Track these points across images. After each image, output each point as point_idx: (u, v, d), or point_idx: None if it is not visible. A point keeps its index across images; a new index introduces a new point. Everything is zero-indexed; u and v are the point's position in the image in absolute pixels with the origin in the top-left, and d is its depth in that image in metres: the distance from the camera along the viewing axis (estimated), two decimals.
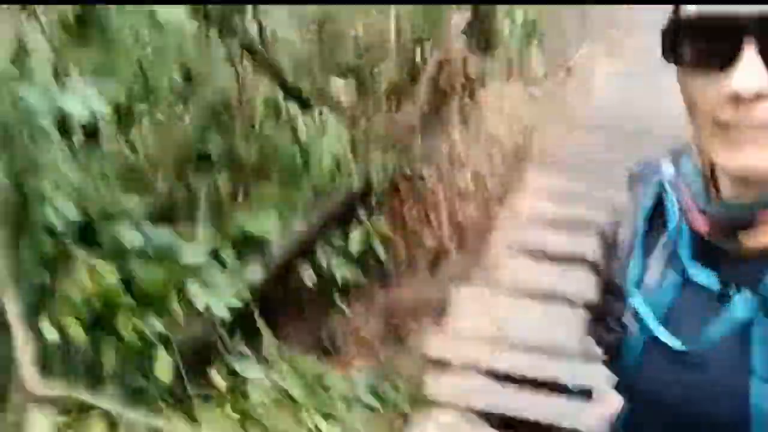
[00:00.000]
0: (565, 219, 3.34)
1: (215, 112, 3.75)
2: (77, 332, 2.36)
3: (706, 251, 0.65)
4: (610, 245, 0.77)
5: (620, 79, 4.74)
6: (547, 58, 5.36)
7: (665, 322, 0.66)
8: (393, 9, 4.95)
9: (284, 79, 4.02)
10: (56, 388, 2.22)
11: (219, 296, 2.67)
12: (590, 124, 4.05)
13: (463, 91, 5.04)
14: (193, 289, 2.62)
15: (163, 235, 2.50)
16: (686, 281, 0.66)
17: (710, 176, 0.63)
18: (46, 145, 2.35)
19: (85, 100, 2.23)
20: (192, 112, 3.69)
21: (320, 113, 4.18)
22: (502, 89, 5.08)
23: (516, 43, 5.33)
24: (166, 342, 2.54)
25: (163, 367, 2.52)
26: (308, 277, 3.58)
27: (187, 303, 2.60)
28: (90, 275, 2.33)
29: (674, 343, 0.64)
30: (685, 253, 0.66)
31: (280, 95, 4.07)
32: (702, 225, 0.64)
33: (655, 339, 0.66)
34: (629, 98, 4.36)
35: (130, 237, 2.36)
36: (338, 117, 4.21)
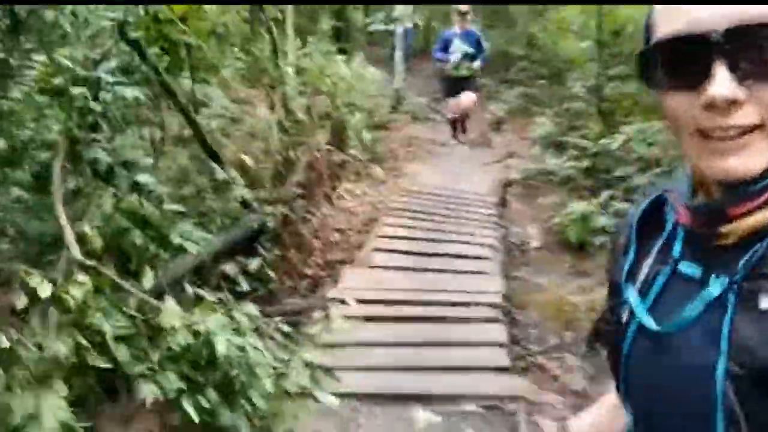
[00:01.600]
0: (406, 234, 5.10)
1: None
2: (96, 240, 3.40)
3: (693, 246, 0.70)
4: (612, 248, 0.84)
5: (435, 176, 6.95)
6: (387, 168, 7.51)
7: (653, 310, 0.71)
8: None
9: (209, 145, 5.45)
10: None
11: (187, 241, 3.85)
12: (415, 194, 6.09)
13: (328, 181, 6.85)
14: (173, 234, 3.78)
15: (158, 189, 3.71)
16: (675, 273, 0.71)
17: (698, 180, 0.69)
18: None
19: None
20: None
21: (231, 173, 5.60)
22: (355, 183, 6.99)
23: (363, 156, 7.40)
24: (152, 260, 3.62)
25: (148, 277, 3.56)
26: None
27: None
28: (114, 201, 3.45)
29: (652, 324, 0.69)
30: (676, 249, 0.72)
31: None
32: (686, 218, 0.70)
33: (643, 327, 0.71)
34: (439, 184, 6.56)
35: (144, 179, 3.56)
36: (243, 177, 5.67)
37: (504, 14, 12.18)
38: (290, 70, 7.43)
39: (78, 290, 2.99)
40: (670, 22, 0.63)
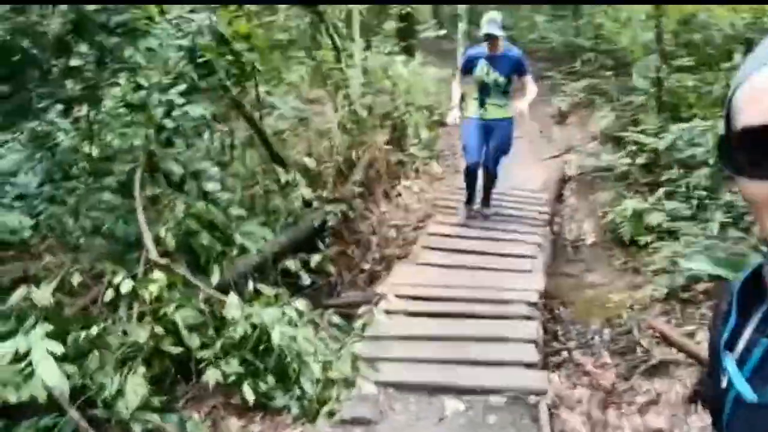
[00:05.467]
0: (455, 233, 5.38)
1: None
2: (170, 241, 3.91)
3: None
4: (714, 314, 0.84)
5: None
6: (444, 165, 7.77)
7: (752, 379, 0.71)
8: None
9: (273, 149, 5.94)
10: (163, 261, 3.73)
11: (249, 241, 4.33)
12: None
13: (387, 179, 7.19)
14: (237, 235, 4.27)
15: (224, 194, 4.20)
16: None
17: None
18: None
19: None
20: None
21: (294, 175, 6.06)
22: (413, 181, 7.29)
23: (422, 154, 7.69)
24: (216, 259, 4.11)
25: (215, 274, 4.05)
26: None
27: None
28: (185, 206, 3.96)
29: (749, 394, 0.69)
30: None
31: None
32: None
33: (740, 395, 0.71)
34: None
35: (210, 187, 4.05)
36: (305, 178, 6.12)
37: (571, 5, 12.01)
38: (355, 71, 7.79)
39: (153, 286, 3.50)
40: (752, 111, 0.64)
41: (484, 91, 5.59)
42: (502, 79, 5.48)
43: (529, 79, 5.56)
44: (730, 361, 0.74)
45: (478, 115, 5.62)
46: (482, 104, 5.60)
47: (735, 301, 0.78)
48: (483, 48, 5.55)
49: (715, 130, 5.36)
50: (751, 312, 0.76)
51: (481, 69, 5.51)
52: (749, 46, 7.78)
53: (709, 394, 0.81)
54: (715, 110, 6.53)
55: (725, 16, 8.06)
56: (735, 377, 0.72)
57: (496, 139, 5.60)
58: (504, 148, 5.70)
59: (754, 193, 0.65)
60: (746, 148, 0.64)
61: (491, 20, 5.34)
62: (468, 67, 5.63)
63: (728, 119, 0.68)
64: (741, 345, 0.75)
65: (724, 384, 0.75)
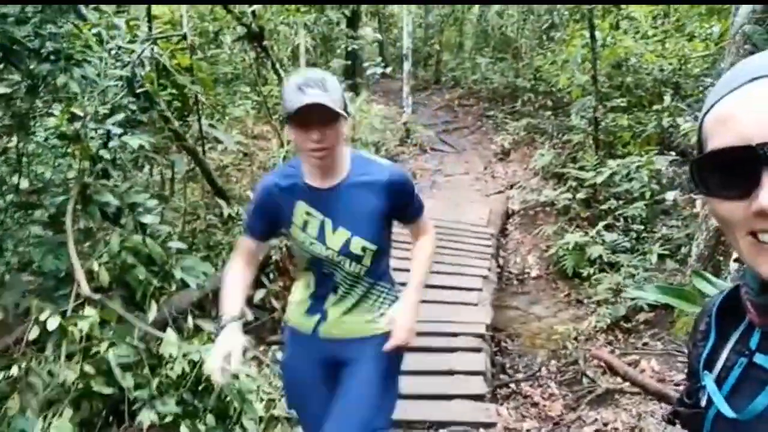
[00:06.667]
0: (401, 266, 5.33)
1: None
2: (104, 276, 3.72)
3: None
4: (692, 334, 0.87)
5: (437, 208, 7.21)
6: None
7: (730, 398, 0.74)
8: None
9: (216, 183, 5.81)
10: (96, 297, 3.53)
11: (189, 276, 4.16)
12: None
13: None
14: (176, 270, 4.10)
15: (163, 228, 4.04)
16: (751, 365, 0.73)
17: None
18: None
19: None
20: None
21: (237, 209, 5.93)
22: None
23: None
24: (153, 294, 3.93)
25: (152, 309, 3.87)
26: None
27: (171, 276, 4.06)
28: (121, 240, 3.79)
29: (728, 411, 0.72)
30: (754, 340, 0.74)
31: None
32: (753, 315, 0.73)
33: (720, 413, 0.73)
34: (440, 216, 6.80)
35: (149, 220, 3.89)
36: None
37: (510, 46, 12.47)
38: None
39: (84, 323, 3.30)
40: (721, 135, 0.67)
41: (320, 275, 2.17)
42: (360, 248, 2.05)
43: (424, 224, 2.26)
44: (709, 380, 0.77)
45: (310, 330, 2.24)
46: (317, 307, 2.23)
47: (713, 322, 0.81)
48: (298, 167, 2.03)
49: (649, 165, 5.57)
50: (728, 332, 0.79)
51: (300, 225, 2.05)
52: (677, 89, 8.26)
53: (687, 412, 0.83)
54: (649, 148, 6.83)
55: (654, 60, 8.54)
56: (714, 395, 0.75)
57: (353, 393, 2.13)
58: (375, 412, 2.13)
59: (725, 211, 0.68)
60: (716, 170, 0.67)
61: (311, 81, 1.79)
62: (264, 222, 2.12)
63: (700, 145, 0.73)
64: (719, 364, 0.77)
65: (703, 402, 0.77)
